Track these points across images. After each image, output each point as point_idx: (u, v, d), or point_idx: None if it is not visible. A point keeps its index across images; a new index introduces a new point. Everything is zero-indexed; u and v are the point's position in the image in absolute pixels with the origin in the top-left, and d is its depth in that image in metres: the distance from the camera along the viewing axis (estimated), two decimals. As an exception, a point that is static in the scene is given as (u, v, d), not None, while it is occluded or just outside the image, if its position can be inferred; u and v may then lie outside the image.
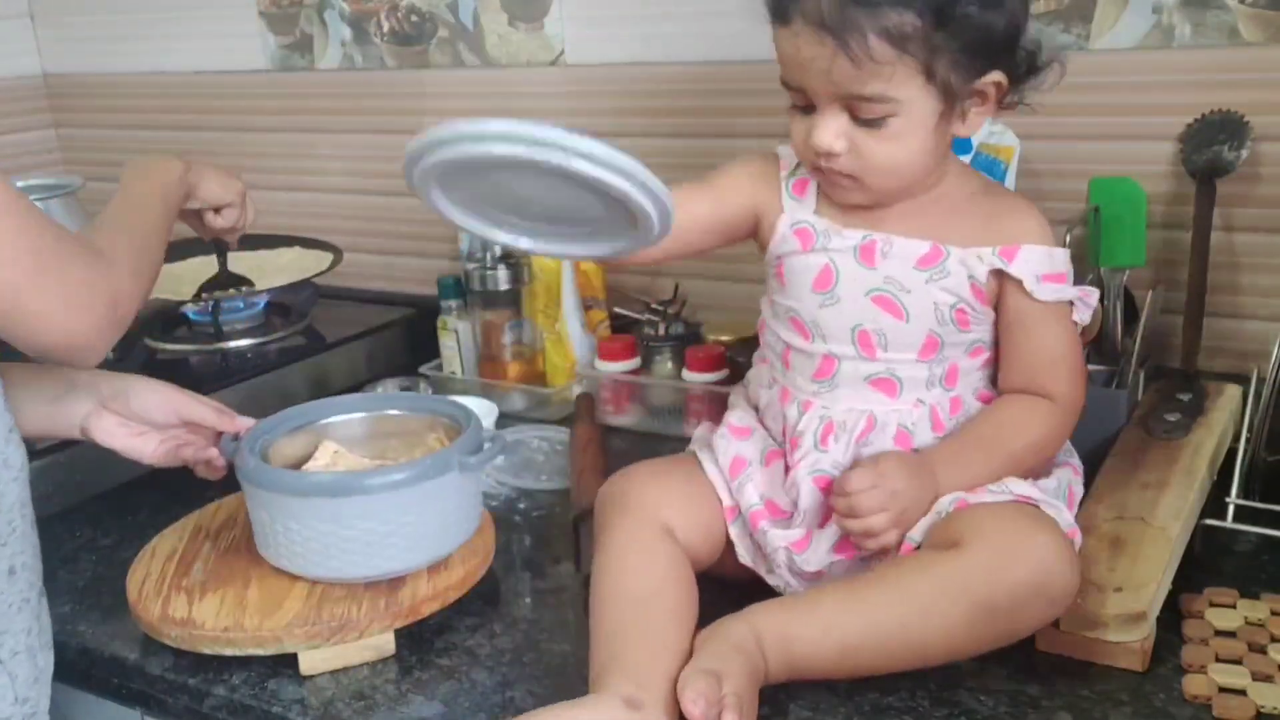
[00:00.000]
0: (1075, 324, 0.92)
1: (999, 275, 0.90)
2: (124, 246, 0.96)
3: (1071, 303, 0.92)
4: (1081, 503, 0.96)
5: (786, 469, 0.94)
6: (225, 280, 1.47)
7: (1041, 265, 0.90)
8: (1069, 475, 0.95)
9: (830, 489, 0.90)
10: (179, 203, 1.15)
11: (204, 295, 1.47)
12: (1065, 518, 0.86)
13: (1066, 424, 0.93)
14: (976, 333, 0.92)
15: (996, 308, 0.92)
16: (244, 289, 1.47)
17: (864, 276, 0.91)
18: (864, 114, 0.84)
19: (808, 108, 0.87)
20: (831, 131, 0.85)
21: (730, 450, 0.96)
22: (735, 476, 0.94)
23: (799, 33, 0.83)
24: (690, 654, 0.81)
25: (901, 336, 0.91)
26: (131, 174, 1.12)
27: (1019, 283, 0.89)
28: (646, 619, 0.83)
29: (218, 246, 1.41)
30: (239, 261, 1.59)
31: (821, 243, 0.93)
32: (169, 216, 1.11)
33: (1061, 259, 0.92)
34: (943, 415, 0.92)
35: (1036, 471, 0.92)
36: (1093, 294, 0.93)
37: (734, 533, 0.94)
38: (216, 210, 1.24)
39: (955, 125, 0.88)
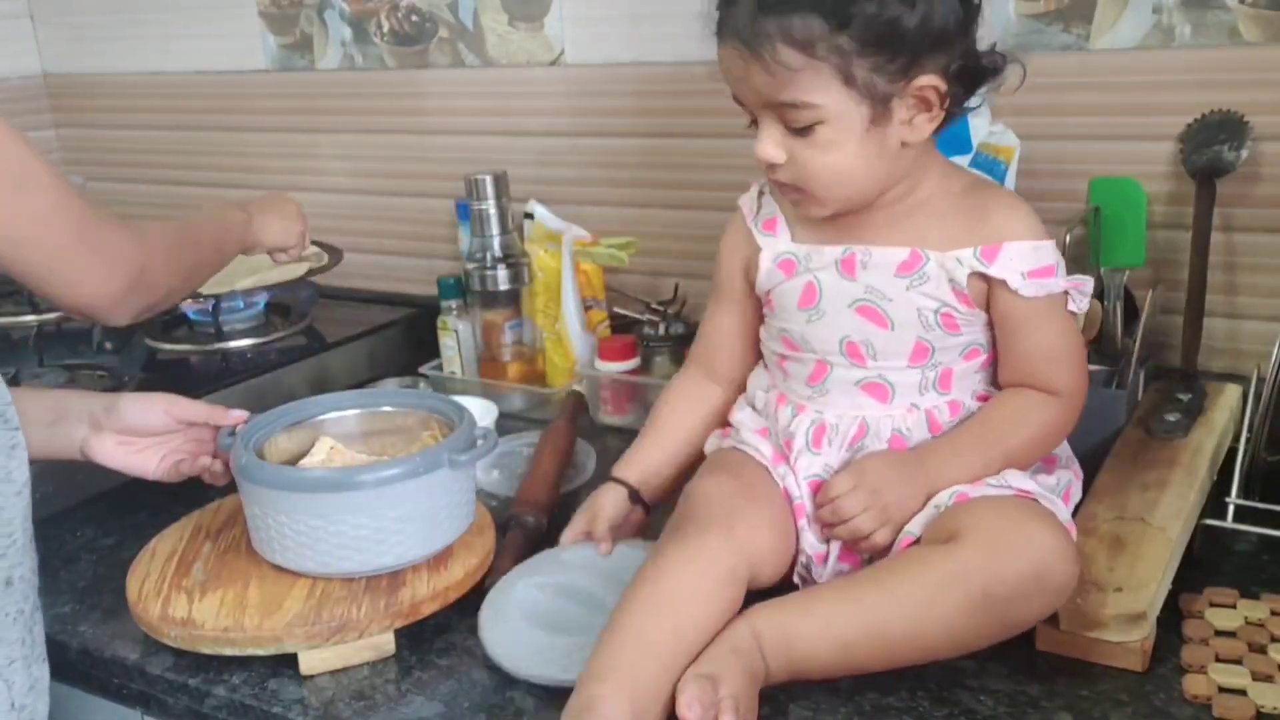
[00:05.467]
0: (1073, 315, 0.91)
1: (983, 276, 0.89)
2: (160, 236, 1.03)
3: (1066, 293, 0.90)
4: (1081, 502, 0.96)
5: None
6: None
7: (1026, 261, 0.88)
8: (1070, 477, 0.95)
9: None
10: (234, 248, 1.20)
11: (202, 295, 1.47)
12: (1062, 512, 0.87)
13: (1069, 417, 0.92)
14: (968, 335, 0.91)
15: (987, 307, 0.91)
16: None
17: (846, 289, 0.92)
18: (792, 122, 0.84)
19: (754, 123, 0.88)
20: (770, 142, 0.86)
21: (767, 445, 0.95)
22: (777, 466, 0.94)
23: (726, 47, 0.85)
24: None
25: (889, 345, 0.91)
26: (200, 215, 1.21)
27: (1004, 282, 0.88)
28: (663, 648, 0.79)
29: None
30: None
31: (804, 265, 0.94)
32: (220, 250, 1.17)
33: (1048, 252, 0.89)
34: (941, 419, 0.92)
35: (1038, 464, 0.93)
36: (1086, 283, 0.91)
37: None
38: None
39: (899, 131, 0.86)
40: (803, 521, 0.91)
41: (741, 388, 1.03)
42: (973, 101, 0.89)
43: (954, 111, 0.88)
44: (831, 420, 0.93)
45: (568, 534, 1.01)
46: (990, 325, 0.92)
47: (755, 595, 0.86)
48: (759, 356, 1.02)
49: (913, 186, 0.91)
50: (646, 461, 1.03)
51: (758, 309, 1.00)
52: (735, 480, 0.91)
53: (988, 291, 0.90)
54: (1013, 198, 0.93)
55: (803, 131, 0.85)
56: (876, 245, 0.91)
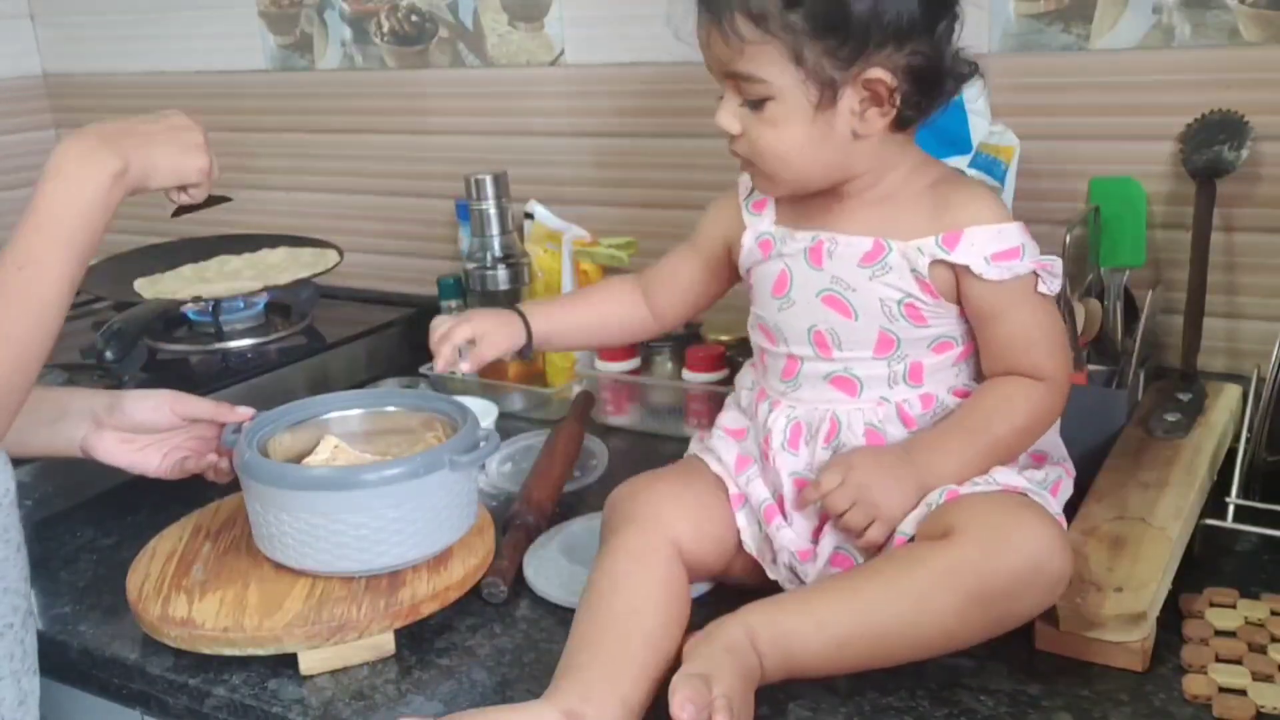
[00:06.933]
0: (1047, 298, 0.90)
1: (948, 265, 0.89)
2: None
3: (1037, 276, 0.90)
4: (1081, 502, 0.96)
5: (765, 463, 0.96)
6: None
7: (990, 244, 0.88)
8: (1060, 473, 0.94)
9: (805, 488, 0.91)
10: (111, 212, 0.91)
11: (202, 297, 1.47)
12: (1053, 506, 0.87)
13: (1056, 401, 0.91)
14: (937, 327, 0.91)
15: (959, 300, 0.90)
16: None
17: (814, 278, 0.93)
18: (745, 94, 0.87)
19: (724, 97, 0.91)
20: (727, 112, 0.89)
21: (732, 450, 0.97)
22: (741, 472, 0.95)
23: (698, 16, 0.89)
24: (656, 679, 0.81)
25: (853, 334, 0.92)
26: (49, 188, 0.87)
27: (967, 268, 0.88)
28: (617, 636, 0.83)
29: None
30: (226, 263, 1.60)
31: (778, 249, 0.95)
32: (90, 247, 0.89)
33: (1013, 234, 0.89)
34: (912, 412, 0.92)
35: (1023, 454, 0.93)
36: (1055, 263, 0.90)
37: (740, 520, 0.94)
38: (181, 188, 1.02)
39: (849, 121, 0.87)
40: (778, 519, 0.92)
41: (663, 326, 1.09)
42: (934, 104, 0.89)
43: (912, 111, 0.88)
44: (804, 416, 0.94)
45: (448, 341, 1.00)
46: (964, 317, 0.91)
47: (746, 595, 0.86)
48: (691, 313, 1.08)
49: (879, 178, 0.91)
50: (557, 319, 1.06)
51: (717, 275, 1.04)
52: (657, 477, 0.96)
53: (955, 283, 0.89)
54: (977, 186, 0.93)
55: (756, 106, 0.87)
56: (843, 234, 0.91)
